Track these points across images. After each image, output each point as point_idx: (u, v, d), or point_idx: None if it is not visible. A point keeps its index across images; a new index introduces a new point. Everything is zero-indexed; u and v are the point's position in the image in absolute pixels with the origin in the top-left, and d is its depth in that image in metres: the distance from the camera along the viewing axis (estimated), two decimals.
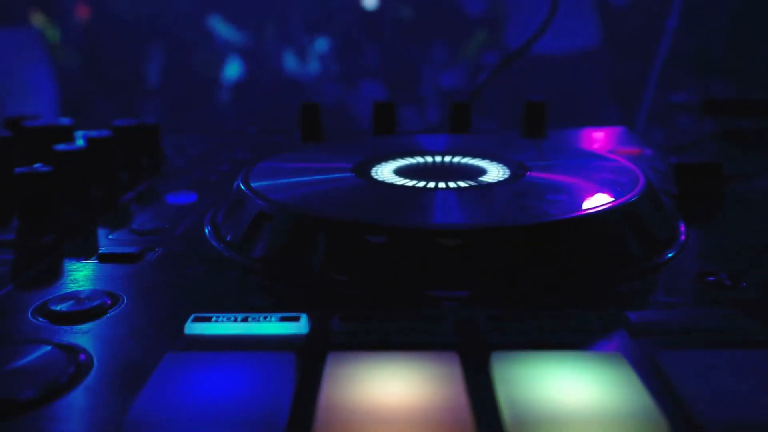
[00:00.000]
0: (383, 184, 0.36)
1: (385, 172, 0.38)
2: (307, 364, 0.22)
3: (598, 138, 0.61)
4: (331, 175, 0.37)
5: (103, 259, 0.32)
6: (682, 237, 0.33)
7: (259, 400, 0.20)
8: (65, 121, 0.52)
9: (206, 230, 0.35)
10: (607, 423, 0.19)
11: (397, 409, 0.19)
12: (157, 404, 0.19)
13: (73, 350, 0.23)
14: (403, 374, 0.21)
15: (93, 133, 0.46)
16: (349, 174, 0.37)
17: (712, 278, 0.29)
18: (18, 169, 0.36)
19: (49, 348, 0.23)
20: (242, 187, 0.34)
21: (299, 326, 0.24)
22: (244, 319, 0.25)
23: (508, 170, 0.38)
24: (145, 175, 0.48)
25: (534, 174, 0.37)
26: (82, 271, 0.31)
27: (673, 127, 0.74)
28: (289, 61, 0.81)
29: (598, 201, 0.32)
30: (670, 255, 0.31)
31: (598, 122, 0.66)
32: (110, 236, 0.35)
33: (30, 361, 0.22)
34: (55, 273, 0.31)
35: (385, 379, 0.21)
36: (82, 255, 0.32)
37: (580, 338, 0.24)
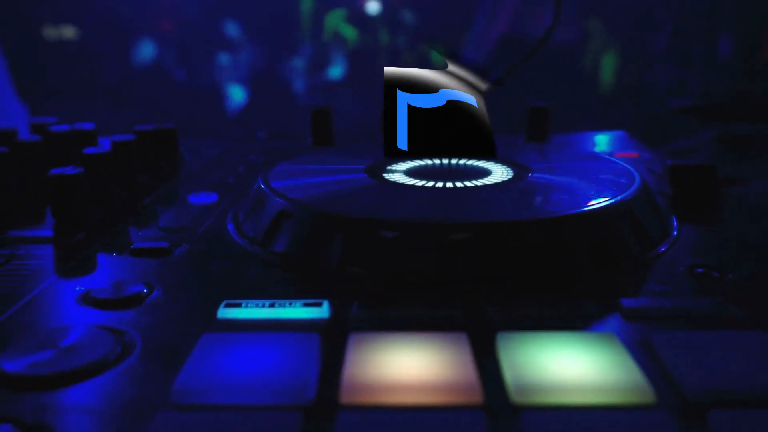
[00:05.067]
0: (394, 183, 0.38)
1: (396, 173, 0.40)
2: (331, 344, 0.24)
3: (598, 142, 0.64)
4: (346, 176, 0.39)
5: (136, 253, 0.34)
6: (674, 233, 0.36)
7: (289, 372, 0.22)
8: (89, 126, 0.55)
9: (229, 227, 0.38)
10: (599, 392, 0.21)
11: (414, 380, 0.22)
12: (199, 375, 0.22)
13: (118, 332, 0.26)
14: (418, 351, 0.23)
15: (117, 137, 0.49)
16: (362, 174, 0.39)
17: (701, 270, 0.31)
18: (53, 171, 0.38)
19: (97, 330, 0.25)
20: (263, 186, 0.37)
21: (321, 311, 0.27)
22: (271, 305, 0.27)
23: (511, 172, 0.40)
24: (166, 177, 0.51)
25: (536, 175, 0.39)
26: (116, 264, 0.33)
27: (673, 130, 0.76)
28: (299, 65, 0.84)
29: (595, 199, 0.34)
30: (662, 249, 0.33)
31: (601, 126, 0.68)
32: (140, 233, 0.37)
33: (81, 341, 0.25)
34: (92, 266, 0.33)
35: (402, 356, 0.23)
36: (115, 250, 0.35)
37: (578, 322, 0.26)
